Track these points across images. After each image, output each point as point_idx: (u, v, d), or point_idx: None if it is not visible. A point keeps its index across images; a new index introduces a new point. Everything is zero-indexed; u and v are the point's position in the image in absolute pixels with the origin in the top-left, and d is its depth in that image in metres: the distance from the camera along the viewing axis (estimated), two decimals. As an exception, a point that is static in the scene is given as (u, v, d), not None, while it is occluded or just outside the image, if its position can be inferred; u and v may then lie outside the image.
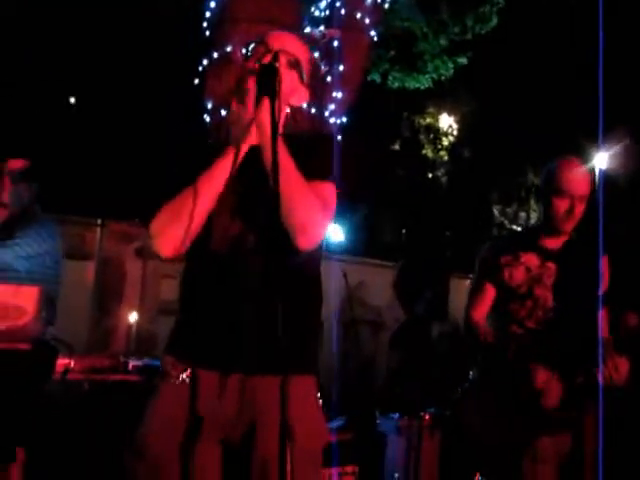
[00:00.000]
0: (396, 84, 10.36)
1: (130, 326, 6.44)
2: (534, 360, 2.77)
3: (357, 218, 11.08)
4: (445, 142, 12.77)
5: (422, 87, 10.49)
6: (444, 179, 12.94)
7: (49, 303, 3.59)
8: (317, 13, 5.10)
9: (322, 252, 2.07)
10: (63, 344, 3.76)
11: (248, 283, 1.87)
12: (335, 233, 10.97)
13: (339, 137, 5.14)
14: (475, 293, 3.06)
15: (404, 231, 11.28)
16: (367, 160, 12.17)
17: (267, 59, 1.90)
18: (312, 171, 1.89)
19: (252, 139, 1.92)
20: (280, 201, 1.79)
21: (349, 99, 5.10)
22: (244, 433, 1.84)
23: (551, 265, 2.89)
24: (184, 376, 1.84)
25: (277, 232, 1.80)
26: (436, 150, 12.82)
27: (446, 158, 12.80)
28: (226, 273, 1.87)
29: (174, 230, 1.87)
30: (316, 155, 1.98)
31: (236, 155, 1.87)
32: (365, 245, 11.27)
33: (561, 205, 2.84)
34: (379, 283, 9.18)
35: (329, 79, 4.90)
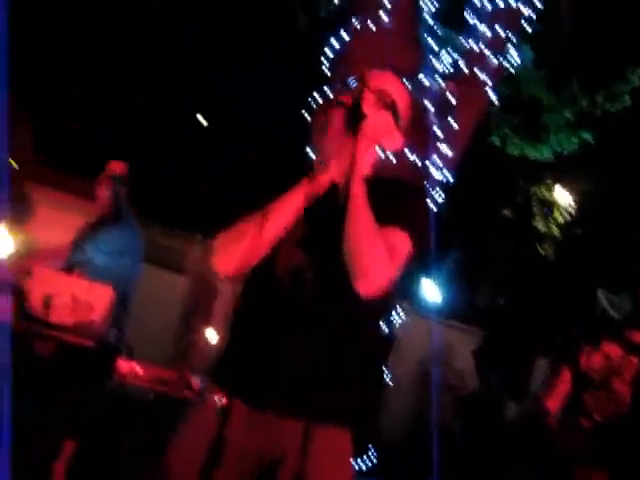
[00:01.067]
0: (516, 151, 10.14)
1: (211, 344, 6.51)
2: (589, 460, 2.58)
3: (455, 279, 10.87)
4: (559, 217, 12.35)
5: (541, 158, 10.22)
6: (552, 254, 12.46)
7: (120, 304, 3.68)
8: (438, 65, 5.07)
9: (388, 305, 1.99)
10: (125, 347, 3.84)
11: (298, 320, 1.80)
12: (431, 292, 10.85)
13: (442, 193, 5.05)
14: (551, 378, 2.92)
15: (501, 300, 10.93)
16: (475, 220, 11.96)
17: (356, 97, 1.86)
18: (389, 218, 1.83)
19: (330, 174, 1.89)
20: (346, 241, 1.75)
21: (457, 156, 5.01)
22: (262, 473, 1.78)
23: (634, 360, 2.71)
24: (218, 402, 1.80)
25: (339, 273, 1.75)
26: (548, 224, 12.40)
27: (557, 233, 12.36)
28: (278, 306, 1.82)
29: (234, 250, 1.85)
30: (398, 203, 1.92)
31: (311, 187, 1.82)
32: (459, 308, 11.01)
33: None
34: (467, 348, 8.99)
35: (439, 133, 4.85)
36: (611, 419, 2.67)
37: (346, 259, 1.75)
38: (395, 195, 1.96)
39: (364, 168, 1.94)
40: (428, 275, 10.21)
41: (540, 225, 12.82)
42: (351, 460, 1.88)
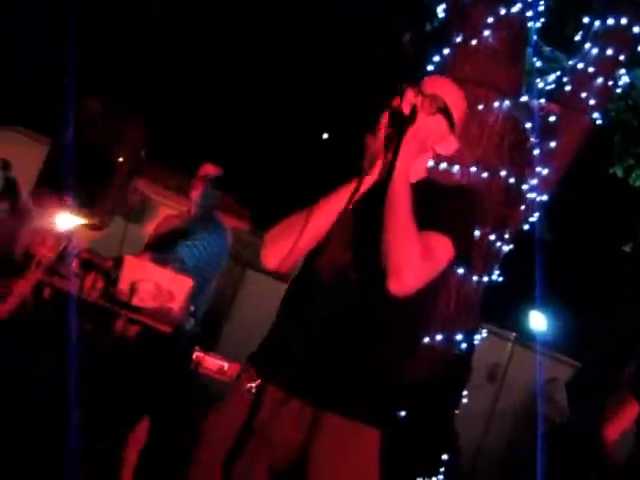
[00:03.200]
0: (638, 182, 9.67)
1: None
2: None
3: (564, 310, 10.47)
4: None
5: (666, 191, 9.68)
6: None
7: (199, 298, 3.85)
8: (542, 85, 4.97)
9: (424, 309, 1.97)
10: (200, 339, 3.99)
11: (339, 315, 1.84)
12: (538, 322, 10.48)
13: (537, 214, 4.93)
14: (616, 407, 2.78)
15: (611, 335, 10.42)
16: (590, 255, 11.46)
17: (407, 100, 1.88)
18: (432, 220, 1.83)
19: (376, 174, 1.92)
20: (383, 239, 1.77)
21: (554, 178, 4.88)
22: (291, 462, 1.81)
23: None
24: (253, 385, 1.84)
25: (380, 272, 1.77)
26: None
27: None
28: (322, 300, 1.85)
29: (282, 244, 1.91)
30: (443, 206, 1.92)
31: (357, 186, 1.83)
32: (566, 341, 10.60)
33: None
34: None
35: (537, 152, 4.74)
36: None
37: (382, 258, 1.77)
38: (441, 198, 1.96)
39: (412, 170, 1.95)
40: (537, 306, 9.90)
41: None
42: (375, 460, 1.85)
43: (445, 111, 1.99)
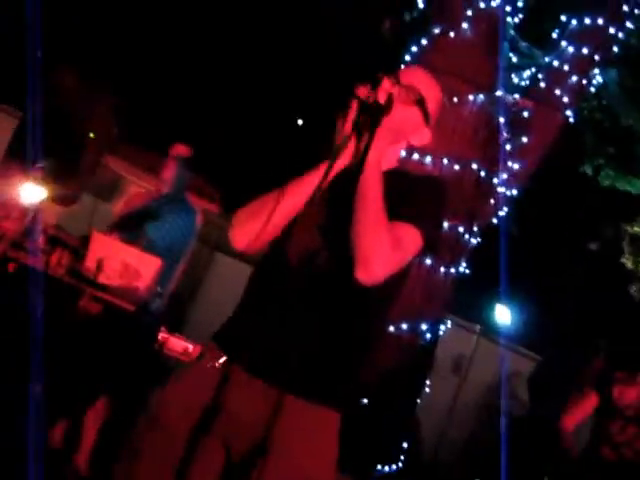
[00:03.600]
0: (606, 182, 9.79)
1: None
2: None
3: (529, 304, 10.61)
4: (650, 257, 11.84)
5: (635, 191, 9.83)
6: (638, 294, 11.96)
7: (166, 278, 3.83)
8: (516, 80, 5.00)
9: (389, 297, 1.98)
10: (166, 320, 3.97)
11: (304, 299, 1.84)
12: (503, 315, 10.62)
13: (506, 208, 4.97)
14: (576, 399, 2.84)
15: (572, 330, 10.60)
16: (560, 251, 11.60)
17: (381, 91, 1.87)
18: (401, 210, 1.83)
19: (346, 160, 1.92)
20: (351, 226, 1.77)
21: (525, 173, 4.93)
22: (252, 441, 1.78)
23: None
24: (217, 363, 1.83)
25: (348, 258, 1.78)
26: (637, 262, 11.90)
27: (646, 273, 11.85)
28: (288, 283, 1.85)
29: (250, 225, 1.89)
30: (414, 197, 1.92)
31: (327, 170, 1.80)
32: (531, 335, 10.74)
33: None
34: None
35: (509, 147, 4.78)
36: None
37: (351, 245, 1.77)
38: (410, 189, 1.95)
39: (384, 160, 1.95)
40: (502, 300, 10.01)
41: (629, 263, 12.33)
42: (335, 442, 1.87)
43: (421, 102, 1.98)
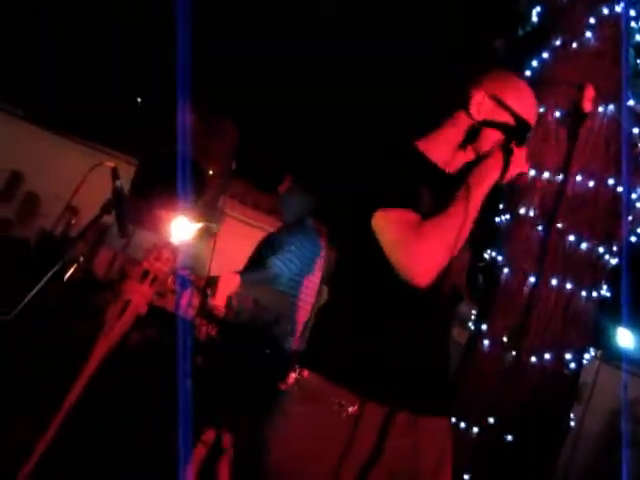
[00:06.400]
0: None
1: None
2: None
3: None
4: None
5: None
6: None
7: (292, 311, 3.71)
8: (645, 88, 4.69)
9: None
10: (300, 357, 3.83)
11: (436, 323, 1.86)
12: (626, 339, 10.06)
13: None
14: None
15: None
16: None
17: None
18: None
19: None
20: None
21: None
22: (405, 468, 1.78)
23: None
24: (351, 410, 1.72)
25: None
26: None
27: None
28: (421, 311, 1.81)
29: (440, 257, 1.72)
30: None
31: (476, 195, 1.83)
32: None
33: None
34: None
35: (644, 159, 4.46)
36: None
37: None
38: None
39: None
40: (625, 323, 9.48)
41: None
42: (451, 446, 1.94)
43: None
